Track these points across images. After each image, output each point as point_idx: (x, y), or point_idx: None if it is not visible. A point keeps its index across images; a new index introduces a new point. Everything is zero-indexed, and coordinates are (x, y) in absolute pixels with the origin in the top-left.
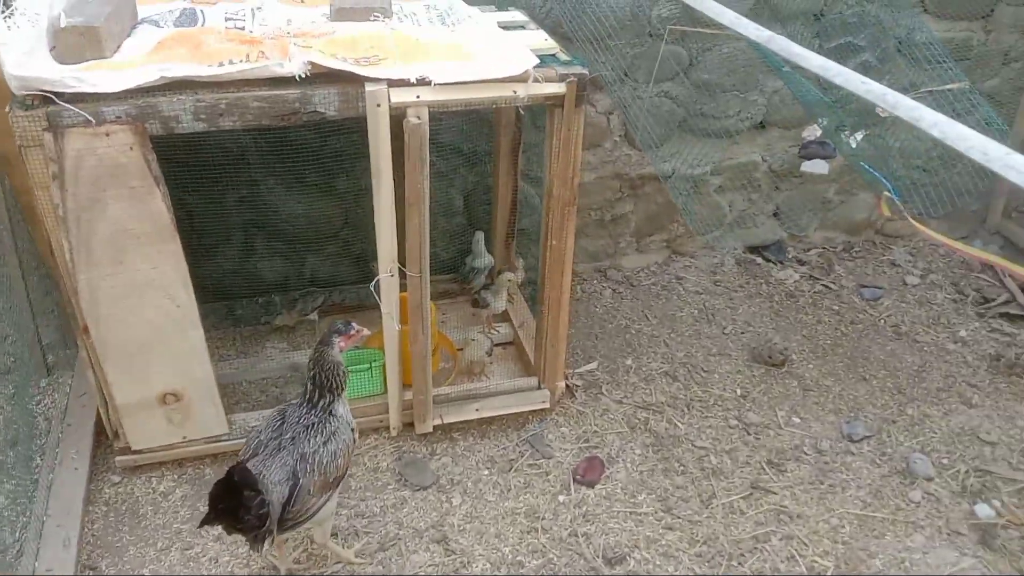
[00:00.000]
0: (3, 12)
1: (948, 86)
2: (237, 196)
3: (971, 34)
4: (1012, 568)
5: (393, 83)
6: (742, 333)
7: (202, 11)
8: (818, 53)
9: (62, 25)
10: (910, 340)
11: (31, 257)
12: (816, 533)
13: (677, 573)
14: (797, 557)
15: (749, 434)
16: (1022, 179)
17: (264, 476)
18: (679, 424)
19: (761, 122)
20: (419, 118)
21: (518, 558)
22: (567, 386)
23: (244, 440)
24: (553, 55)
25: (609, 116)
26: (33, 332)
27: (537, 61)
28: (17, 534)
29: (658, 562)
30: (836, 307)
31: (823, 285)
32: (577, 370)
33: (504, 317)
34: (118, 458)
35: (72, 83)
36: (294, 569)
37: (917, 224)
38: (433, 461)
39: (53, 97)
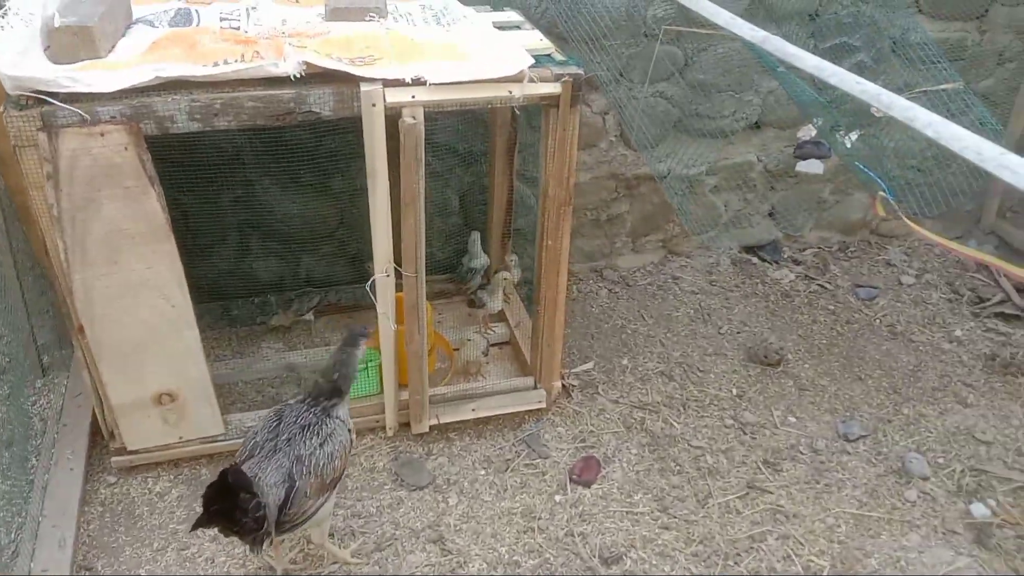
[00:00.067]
0: None
1: (943, 86)
2: (232, 196)
3: (966, 34)
4: (1007, 567)
5: (388, 83)
6: (738, 333)
7: (197, 11)
8: (813, 53)
9: (56, 25)
10: (905, 340)
11: (26, 257)
12: (812, 532)
13: (673, 573)
14: (793, 556)
15: (745, 434)
16: (1016, 179)
17: (260, 479)
18: (675, 424)
19: (756, 122)
20: (414, 118)
21: (514, 558)
22: (563, 386)
23: (240, 440)
24: (548, 55)
25: (605, 116)
26: (28, 332)
27: (532, 61)
28: (12, 535)
29: (654, 562)
30: (832, 307)
31: (819, 285)
32: (573, 370)
33: (500, 317)
34: (114, 458)
35: (66, 83)
36: (291, 569)
37: (912, 224)
38: (429, 461)
39: (47, 97)
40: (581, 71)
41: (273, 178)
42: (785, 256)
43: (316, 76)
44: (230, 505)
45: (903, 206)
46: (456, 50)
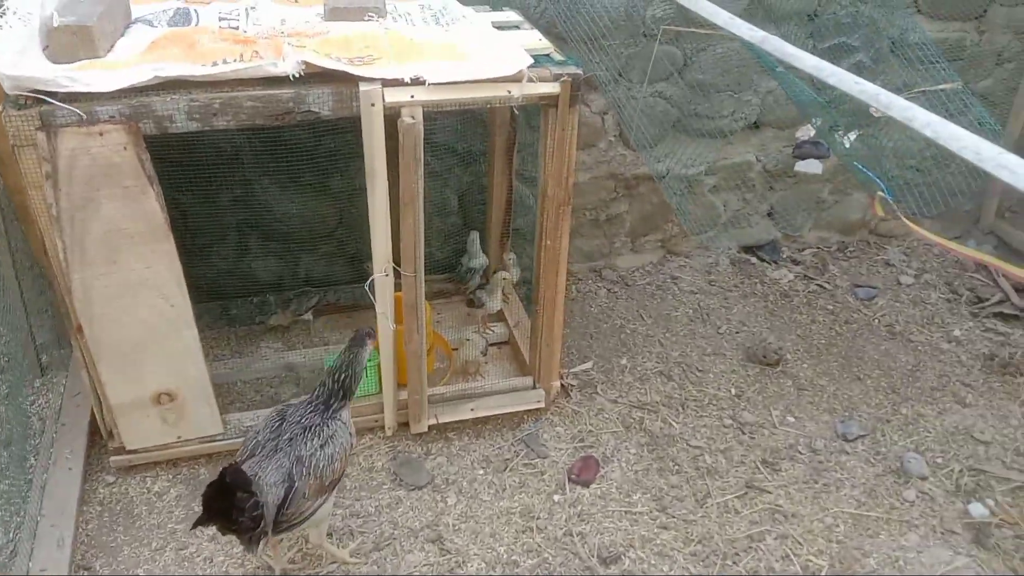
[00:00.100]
0: None
1: (941, 86)
2: (231, 196)
3: (964, 34)
4: (1006, 567)
5: (387, 83)
6: (737, 333)
7: (196, 11)
8: (812, 53)
9: (55, 24)
10: (904, 340)
11: (25, 257)
12: (810, 532)
13: (672, 572)
14: (791, 556)
15: (744, 433)
16: (1015, 179)
17: (260, 478)
18: (674, 423)
19: (755, 122)
20: (413, 118)
21: (513, 557)
22: (562, 386)
23: (239, 440)
24: (547, 55)
25: (604, 116)
26: (27, 332)
27: (531, 61)
28: (11, 534)
29: (653, 561)
30: (830, 307)
31: (817, 285)
32: (572, 370)
33: (499, 317)
34: (112, 458)
35: (65, 83)
36: (289, 569)
37: (911, 224)
38: (428, 461)
39: (46, 97)
40: (580, 71)
41: (272, 178)
42: (784, 256)
43: (315, 76)
44: (228, 504)
45: (902, 206)
46: (455, 50)
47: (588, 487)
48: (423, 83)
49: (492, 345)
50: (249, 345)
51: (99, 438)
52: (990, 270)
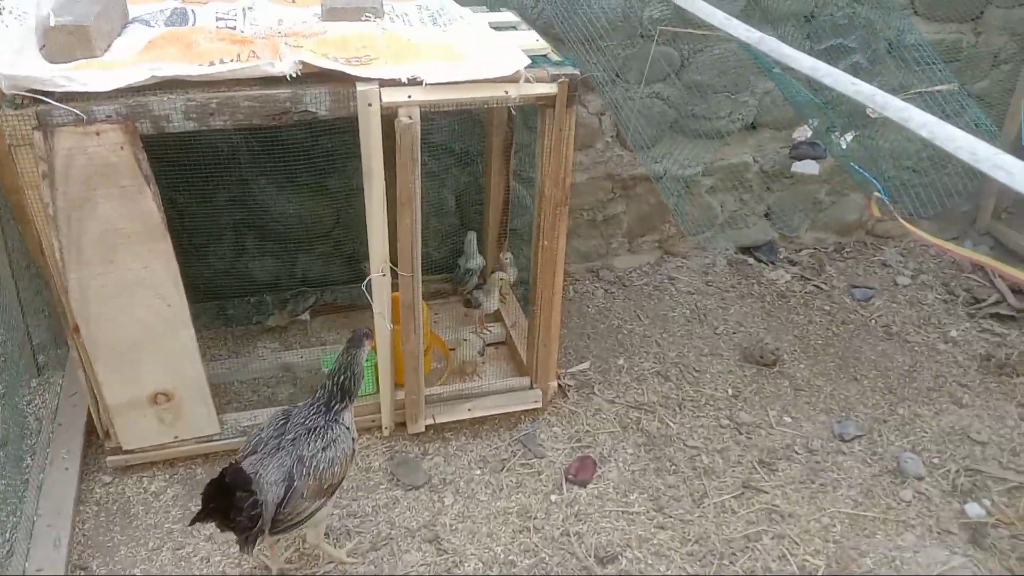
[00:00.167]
0: None
1: (938, 87)
2: (228, 196)
3: (961, 36)
4: (1002, 567)
5: (384, 83)
6: (734, 333)
7: (193, 11)
8: (809, 55)
9: (51, 24)
10: (901, 340)
11: (21, 256)
12: (807, 532)
13: (669, 572)
14: (788, 556)
15: (741, 434)
16: (1011, 179)
17: (260, 475)
18: (671, 424)
19: (752, 123)
20: (410, 118)
21: (510, 557)
22: (559, 386)
23: (236, 440)
24: (544, 56)
25: (601, 117)
26: (23, 332)
27: (529, 61)
28: (7, 534)
29: (650, 561)
30: (827, 307)
31: (814, 285)
32: (569, 370)
33: (496, 317)
34: (109, 458)
35: (62, 82)
36: (286, 569)
37: (907, 225)
38: (425, 461)
39: (43, 96)
40: (577, 72)
41: (269, 178)
42: (781, 257)
43: (312, 76)
44: (227, 503)
45: (898, 207)
46: (452, 50)
47: (585, 487)
48: (420, 83)
49: (489, 345)
50: (246, 345)
51: (96, 438)
52: (986, 271)
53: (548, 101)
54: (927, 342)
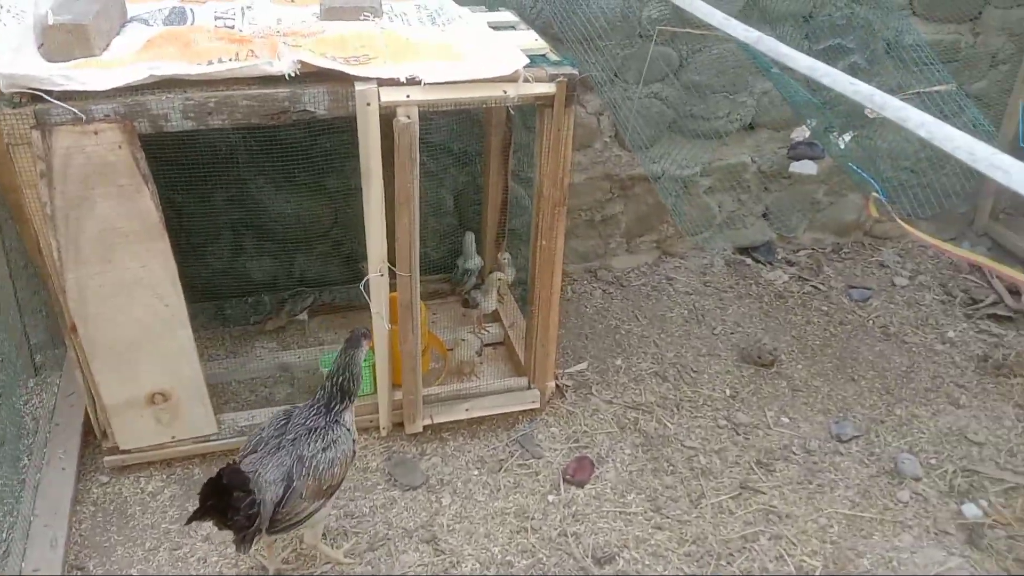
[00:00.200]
0: None
1: (936, 88)
2: (226, 195)
3: (959, 36)
4: (999, 567)
5: (383, 82)
6: (731, 333)
7: (192, 10)
8: (807, 55)
9: (50, 22)
10: (898, 341)
11: (18, 256)
12: (804, 533)
13: (666, 573)
14: (786, 557)
15: (738, 434)
16: (1008, 180)
17: (259, 474)
18: (668, 424)
19: (750, 123)
20: (409, 117)
21: (507, 558)
22: (557, 386)
23: (233, 440)
24: (543, 55)
25: (599, 117)
26: (21, 331)
27: (527, 61)
28: (4, 534)
29: (647, 562)
30: (825, 308)
31: (812, 286)
32: (567, 370)
33: (494, 317)
34: (106, 458)
35: (60, 81)
36: (283, 569)
37: (905, 225)
38: (423, 461)
39: (42, 95)
40: (576, 71)
41: (267, 177)
42: (779, 257)
43: (311, 75)
44: (224, 503)
45: (896, 207)
46: (451, 50)
47: (583, 487)
48: (419, 83)
49: (487, 345)
50: (244, 345)
51: (93, 438)
52: (984, 272)
53: (546, 101)
54: (925, 343)
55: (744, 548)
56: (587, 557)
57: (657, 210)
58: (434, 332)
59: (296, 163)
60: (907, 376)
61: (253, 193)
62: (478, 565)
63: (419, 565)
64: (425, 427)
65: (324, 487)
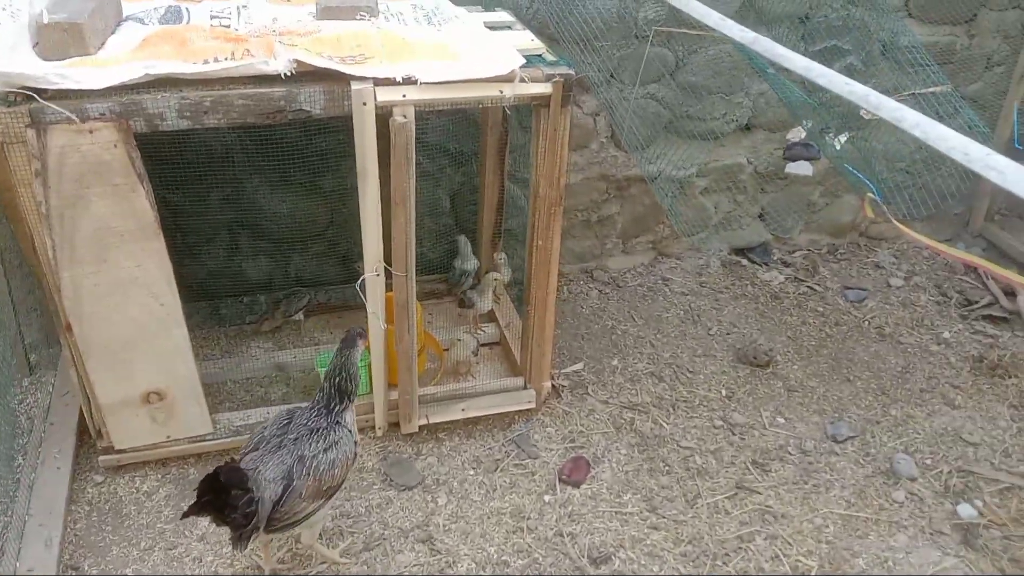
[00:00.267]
0: None
1: (931, 89)
2: (222, 195)
3: (954, 38)
4: (994, 567)
5: (379, 82)
6: (727, 334)
7: (187, 9)
8: (803, 56)
9: (45, 21)
10: (894, 341)
11: (13, 255)
12: (800, 533)
13: (662, 573)
14: (781, 557)
15: (734, 434)
16: (1004, 180)
17: (259, 472)
18: (664, 424)
19: (746, 124)
20: (405, 117)
21: (503, 558)
22: (553, 386)
23: (229, 440)
24: (539, 55)
25: (595, 117)
26: (15, 330)
27: (523, 61)
28: None
29: (643, 562)
30: (821, 308)
31: (808, 287)
32: (563, 370)
33: (490, 317)
34: (101, 457)
35: (55, 80)
36: (278, 569)
37: (901, 226)
38: (419, 461)
39: (36, 94)
40: (572, 72)
41: (263, 177)
42: (775, 258)
43: (307, 74)
44: (221, 500)
45: (892, 208)
46: (447, 49)
47: (579, 487)
48: (415, 82)
49: (483, 345)
50: (239, 345)
51: (88, 437)
52: (979, 272)
53: (543, 101)
54: (920, 343)
55: (740, 548)
56: (583, 557)
57: (653, 211)
58: (430, 332)
59: (292, 163)
60: (902, 377)
61: (249, 193)
62: (474, 565)
63: (415, 565)
64: (421, 427)
65: (324, 488)
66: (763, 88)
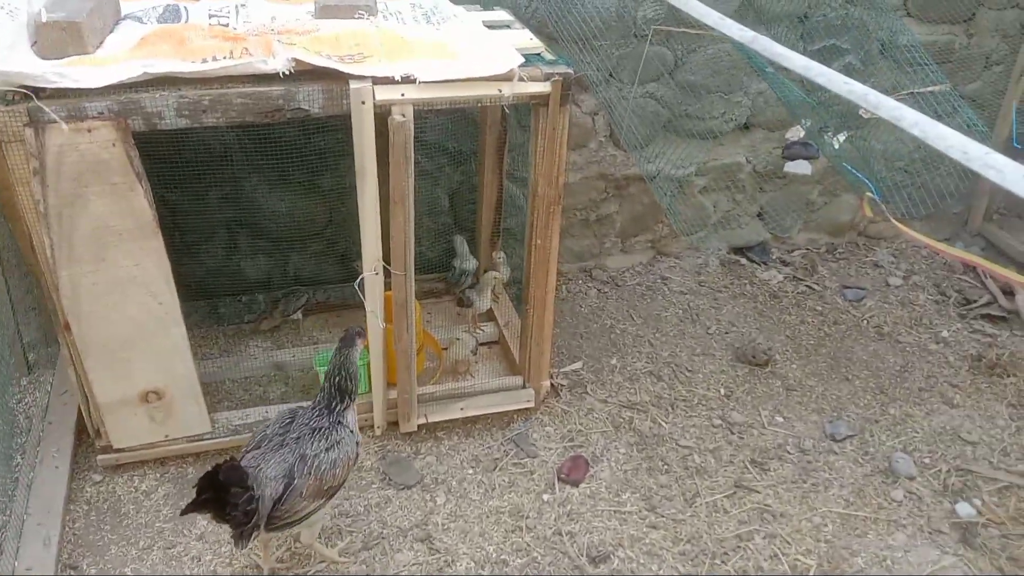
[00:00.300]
0: None
1: (930, 88)
2: (220, 194)
3: (953, 38)
4: (992, 566)
5: (378, 81)
6: (726, 333)
7: (186, 7)
8: (802, 55)
9: (43, 20)
10: (892, 340)
11: (11, 254)
12: (799, 532)
13: (661, 572)
14: (780, 556)
15: (733, 433)
16: (1002, 179)
17: (260, 470)
18: (663, 423)
19: (745, 123)
20: (404, 116)
21: (502, 557)
22: (552, 385)
23: (227, 439)
24: (538, 54)
25: (594, 116)
26: (14, 330)
27: (522, 60)
28: None
29: (642, 560)
30: (819, 308)
31: (806, 286)
32: (562, 369)
33: (489, 316)
34: (100, 456)
35: (54, 78)
36: (277, 568)
37: (900, 225)
38: (417, 460)
39: (32, 94)
40: (571, 71)
41: (261, 176)
42: (773, 257)
43: (305, 73)
44: (221, 498)
45: (890, 208)
46: (446, 48)
47: (577, 486)
48: (414, 81)
49: (482, 344)
50: (238, 344)
51: (86, 436)
52: (978, 272)
53: (542, 100)
54: (919, 342)
55: (738, 547)
56: (582, 556)
57: (652, 210)
58: (429, 331)
59: (290, 161)
60: (901, 376)
61: (247, 191)
62: (473, 564)
63: (414, 564)
64: (420, 426)
65: (325, 487)
66: (762, 87)
